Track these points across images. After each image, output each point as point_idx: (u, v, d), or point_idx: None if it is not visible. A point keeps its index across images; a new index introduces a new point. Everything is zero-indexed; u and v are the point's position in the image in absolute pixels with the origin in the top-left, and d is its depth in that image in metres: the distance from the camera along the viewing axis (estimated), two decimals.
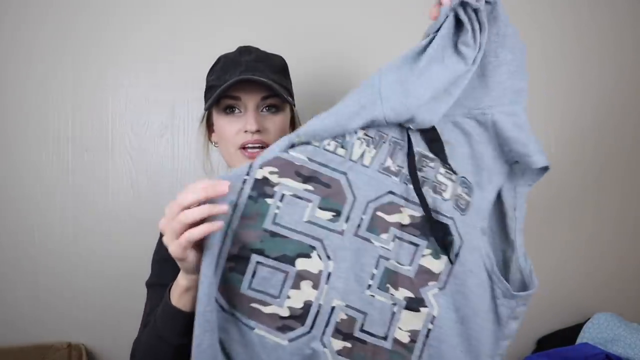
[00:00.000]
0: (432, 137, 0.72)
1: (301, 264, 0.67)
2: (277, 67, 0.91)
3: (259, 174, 0.66)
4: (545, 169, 0.72)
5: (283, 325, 0.67)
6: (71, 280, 1.26)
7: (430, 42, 0.66)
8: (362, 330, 0.69)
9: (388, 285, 0.69)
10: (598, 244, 1.53)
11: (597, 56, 1.52)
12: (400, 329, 0.70)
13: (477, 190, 0.74)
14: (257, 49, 0.92)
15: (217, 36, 1.29)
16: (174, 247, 0.61)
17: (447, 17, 0.66)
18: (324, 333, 0.68)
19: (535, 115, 1.44)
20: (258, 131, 0.86)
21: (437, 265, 0.70)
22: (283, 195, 0.67)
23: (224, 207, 0.61)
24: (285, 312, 0.67)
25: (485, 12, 0.67)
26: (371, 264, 0.69)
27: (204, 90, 0.93)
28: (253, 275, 0.66)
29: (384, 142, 0.70)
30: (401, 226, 0.70)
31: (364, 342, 0.69)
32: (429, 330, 0.69)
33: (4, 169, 1.24)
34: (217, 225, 0.61)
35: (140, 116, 1.29)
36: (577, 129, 1.51)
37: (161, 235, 0.87)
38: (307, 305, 0.68)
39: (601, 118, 1.52)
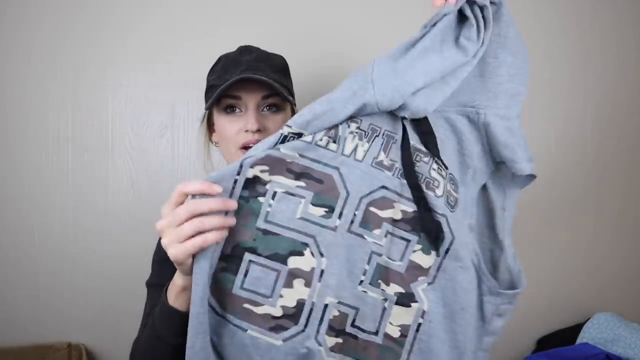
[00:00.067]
0: (424, 129, 0.70)
1: (294, 262, 0.67)
2: (277, 66, 0.91)
3: (250, 173, 0.65)
4: (531, 176, 0.72)
5: (276, 325, 0.67)
6: (71, 280, 1.26)
7: (426, 34, 0.65)
8: (353, 326, 0.69)
9: (379, 280, 0.69)
10: (598, 244, 1.53)
11: (599, 56, 1.52)
12: (391, 323, 0.70)
13: (462, 187, 0.74)
14: (257, 49, 0.92)
15: (217, 36, 1.29)
16: (177, 251, 0.60)
17: (446, 15, 0.65)
18: (318, 331, 0.68)
19: (537, 114, 1.44)
20: (259, 130, 0.86)
21: (427, 260, 0.70)
22: (275, 193, 0.66)
23: (232, 221, 0.63)
24: (278, 312, 0.67)
25: (491, 11, 0.67)
26: (363, 259, 0.69)
27: (204, 90, 0.93)
28: (245, 275, 0.66)
29: (377, 136, 0.68)
30: (393, 221, 0.69)
31: (355, 337, 0.69)
32: (419, 324, 0.69)
33: (4, 169, 1.24)
34: (226, 232, 0.63)
35: (140, 116, 1.29)
36: (579, 129, 1.51)
37: None
38: (300, 304, 0.67)
39: (603, 118, 1.52)
